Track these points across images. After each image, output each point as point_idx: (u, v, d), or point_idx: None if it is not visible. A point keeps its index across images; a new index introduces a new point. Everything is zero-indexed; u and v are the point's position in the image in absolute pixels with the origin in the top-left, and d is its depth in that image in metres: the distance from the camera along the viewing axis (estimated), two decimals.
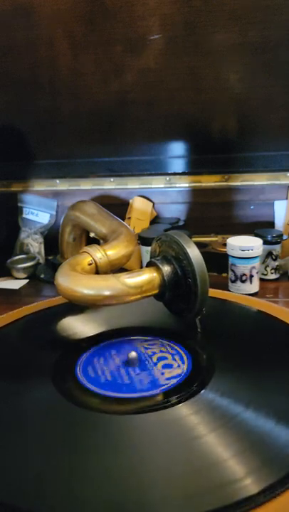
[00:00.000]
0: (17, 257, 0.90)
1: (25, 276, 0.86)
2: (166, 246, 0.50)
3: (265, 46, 0.76)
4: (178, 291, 0.49)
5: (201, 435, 0.36)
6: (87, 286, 0.46)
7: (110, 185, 0.96)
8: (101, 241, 0.61)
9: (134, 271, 0.48)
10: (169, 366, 0.46)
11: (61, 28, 0.78)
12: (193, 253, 0.47)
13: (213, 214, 0.93)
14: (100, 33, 0.78)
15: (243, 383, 0.42)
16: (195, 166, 0.93)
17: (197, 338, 0.50)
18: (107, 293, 0.45)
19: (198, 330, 0.51)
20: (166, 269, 0.48)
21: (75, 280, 0.47)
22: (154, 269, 0.49)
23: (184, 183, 0.93)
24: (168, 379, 0.43)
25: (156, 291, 0.48)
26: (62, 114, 0.89)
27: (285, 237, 0.78)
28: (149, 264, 0.50)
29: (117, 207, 0.92)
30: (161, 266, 0.48)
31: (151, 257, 0.52)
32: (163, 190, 0.94)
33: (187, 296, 0.48)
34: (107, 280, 0.46)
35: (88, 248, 0.53)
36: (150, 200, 0.94)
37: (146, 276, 0.47)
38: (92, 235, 0.66)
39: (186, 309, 0.49)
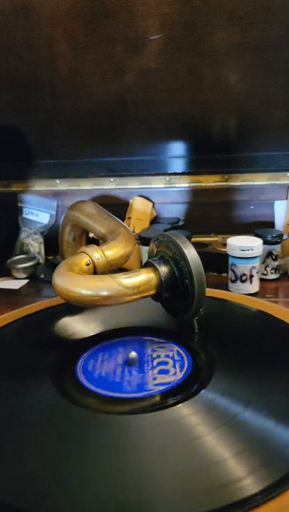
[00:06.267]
0: (17, 257, 0.90)
1: (25, 276, 0.86)
2: (163, 246, 0.50)
3: (265, 46, 0.76)
4: (175, 292, 0.49)
5: (201, 435, 0.35)
6: (84, 287, 0.46)
7: (110, 185, 0.96)
8: (100, 241, 0.61)
9: (131, 271, 0.48)
10: (165, 372, 0.46)
11: (61, 28, 0.78)
12: (190, 254, 0.46)
13: (213, 214, 0.93)
14: (100, 33, 0.78)
15: (243, 383, 0.42)
16: (195, 166, 0.93)
17: (196, 338, 0.50)
18: (103, 293, 0.45)
19: (196, 330, 0.50)
20: (163, 269, 0.48)
21: (72, 280, 0.47)
22: (151, 269, 0.48)
23: (184, 183, 0.93)
24: (166, 380, 0.43)
25: (153, 292, 0.48)
26: (62, 114, 0.89)
27: (285, 237, 0.78)
28: (147, 265, 0.50)
29: (117, 207, 0.92)
30: (158, 266, 0.48)
31: (148, 258, 0.52)
32: (163, 190, 0.94)
33: (184, 296, 0.48)
34: (103, 280, 0.46)
35: (86, 248, 0.53)
36: (150, 200, 0.94)
37: (143, 277, 0.47)
38: (91, 235, 0.66)
39: (184, 310, 0.49)
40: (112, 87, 0.84)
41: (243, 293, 0.70)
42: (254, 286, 0.72)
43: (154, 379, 0.43)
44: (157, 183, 0.94)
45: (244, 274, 0.71)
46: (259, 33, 0.75)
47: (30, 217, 0.99)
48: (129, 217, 0.92)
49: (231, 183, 0.91)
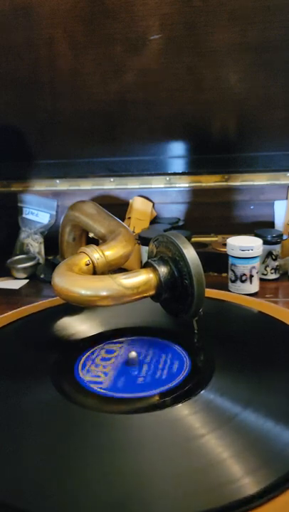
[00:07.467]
0: (17, 257, 0.90)
1: (25, 276, 0.86)
2: (162, 247, 0.50)
3: (265, 46, 0.76)
4: (174, 292, 0.49)
5: (201, 435, 0.36)
6: (83, 287, 0.46)
7: (110, 185, 0.96)
8: (100, 241, 0.61)
9: (131, 272, 0.48)
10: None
11: (61, 28, 0.78)
12: (190, 254, 0.46)
13: (213, 214, 0.93)
14: (100, 33, 0.78)
15: (242, 383, 0.42)
16: (195, 166, 0.93)
17: (196, 338, 0.50)
18: (103, 294, 0.45)
19: (196, 331, 0.50)
20: (163, 270, 0.48)
21: (72, 281, 0.47)
22: (151, 269, 0.48)
23: (184, 183, 0.93)
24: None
25: (152, 292, 0.48)
26: (62, 114, 0.89)
27: (285, 237, 0.78)
28: (146, 265, 0.50)
29: (117, 207, 0.92)
30: (157, 267, 0.48)
31: (148, 258, 0.52)
32: (163, 190, 0.94)
33: (184, 297, 0.48)
34: (103, 281, 0.46)
35: (86, 248, 0.53)
36: (150, 200, 0.94)
37: (142, 277, 0.47)
38: (91, 235, 0.66)
39: (183, 310, 0.49)
40: (112, 87, 0.84)
41: (243, 293, 0.70)
42: (254, 286, 0.72)
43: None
44: (157, 183, 0.94)
45: (244, 274, 0.71)
46: (259, 33, 0.75)
47: (30, 217, 0.99)
48: (129, 217, 0.92)
49: (231, 183, 0.91)
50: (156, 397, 0.41)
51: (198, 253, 0.47)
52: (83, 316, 0.57)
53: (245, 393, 0.40)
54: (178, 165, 0.93)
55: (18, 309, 0.60)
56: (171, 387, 0.42)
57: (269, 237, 0.76)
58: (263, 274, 0.77)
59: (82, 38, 0.79)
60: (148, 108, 0.87)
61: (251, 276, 0.71)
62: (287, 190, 0.90)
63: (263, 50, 0.77)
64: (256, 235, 0.75)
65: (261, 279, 0.75)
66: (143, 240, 0.79)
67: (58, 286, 0.47)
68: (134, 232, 0.88)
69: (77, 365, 0.47)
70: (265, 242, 0.74)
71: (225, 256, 0.74)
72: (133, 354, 0.46)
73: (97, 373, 0.45)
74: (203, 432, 0.36)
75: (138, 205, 0.93)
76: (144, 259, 0.81)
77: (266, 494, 0.30)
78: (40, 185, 0.98)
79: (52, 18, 0.77)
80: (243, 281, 0.71)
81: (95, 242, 0.58)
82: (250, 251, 0.70)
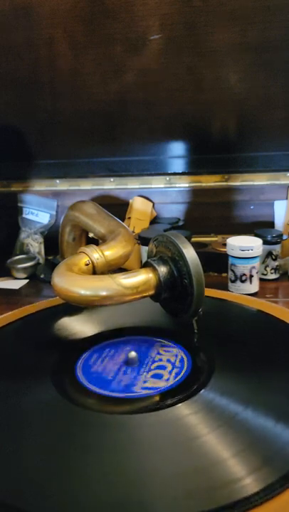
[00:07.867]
0: (17, 257, 0.90)
1: (25, 276, 0.86)
2: (162, 246, 0.50)
3: (265, 46, 0.76)
4: (174, 292, 0.49)
5: (201, 435, 0.36)
6: (83, 287, 0.46)
7: (110, 185, 0.96)
8: (100, 241, 0.61)
9: (131, 271, 0.48)
10: (167, 367, 0.46)
11: (61, 28, 0.78)
12: (189, 254, 0.46)
13: (213, 214, 0.93)
14: (100, 33, 0.78)
15: (242, 383, 0.42)
16: (195, 166, 0.93)
17: (196, 338, 0.50)
18: (102, 293, 0.45)
19: (195, 331, 0.50)
20: (162, 269, 0.48)
21: (71, 281, 0.47)
22: (150, 269, 0.48)
23: (184, 183, 0.93)
24: (166, 380, 0.43)
25: (152, 292, 0.48)
26: (62, 114, 0.89)
27: (285, 237, 0.78)
28: (146, 265, 0.50)
29: (117, 207, 0.92)
30: (157, 266, 0.48)
31: (148, 258, 0.52)
32: (163, 190, 0.94)
33: (183, 297, 0.48)
34: (102, 281, 0.46)
35: (85, 248, 0.53)
36: (150, 200, 0.94)
37: (142, 277, 0.47)
38: (91, 235, 0.66)
39: (183, 310, 0.49)
40: (112, 87, 0.84)
41: (242, 293, 0.70)
42: (254, 286, 0.72)
43: (145, 382, 0.43)
44: (157, 183, 0.94)
45: (244, 274, 0.71)
46: (259, 33, 0.75)
47: (30, 217, 0.99)
48: (129, 217, 0.92)
49: (231, 183, 0.91)
50: (156, 397, 0.41)
51: (198, 253, 0.47)
52: (83, 316, 0.57)
53: (245, 393, 0.40)
54: (178, 165, 0.93)
55: (18, 309, 0.60)
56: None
57: (269, 237, 0.76)
58: (263, 274, 0.77)
59: (82, 38, 0.79)
60: (148, 108, 0.87)
61: (251, 276, 0.71)
62: (287, 190, 0.90)
63: (263, 50, 0.77)
64: (256, 235, 0.75)
65: (261, 279, 0.75)
66: (143, 240, 0.79)
67: (57, 286, 0.47)
68: (134, 232, 0.88)
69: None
70: (265, 242, 0.74)
71: (225, 256, 0.74)
72: (133, 354, 0.46)
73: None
74: (204, 432, 0.36)
75: (138, 205, 0.93)
76: (144, 259, 0.81)
77: (267, 493, 0.30)
78: (40, 185, 0.98)
79: (52, 18, 0.77)
80: (243, 281, 0.71)
81: (95, 242, 0.58)
82: (250, 251, 0.70)
